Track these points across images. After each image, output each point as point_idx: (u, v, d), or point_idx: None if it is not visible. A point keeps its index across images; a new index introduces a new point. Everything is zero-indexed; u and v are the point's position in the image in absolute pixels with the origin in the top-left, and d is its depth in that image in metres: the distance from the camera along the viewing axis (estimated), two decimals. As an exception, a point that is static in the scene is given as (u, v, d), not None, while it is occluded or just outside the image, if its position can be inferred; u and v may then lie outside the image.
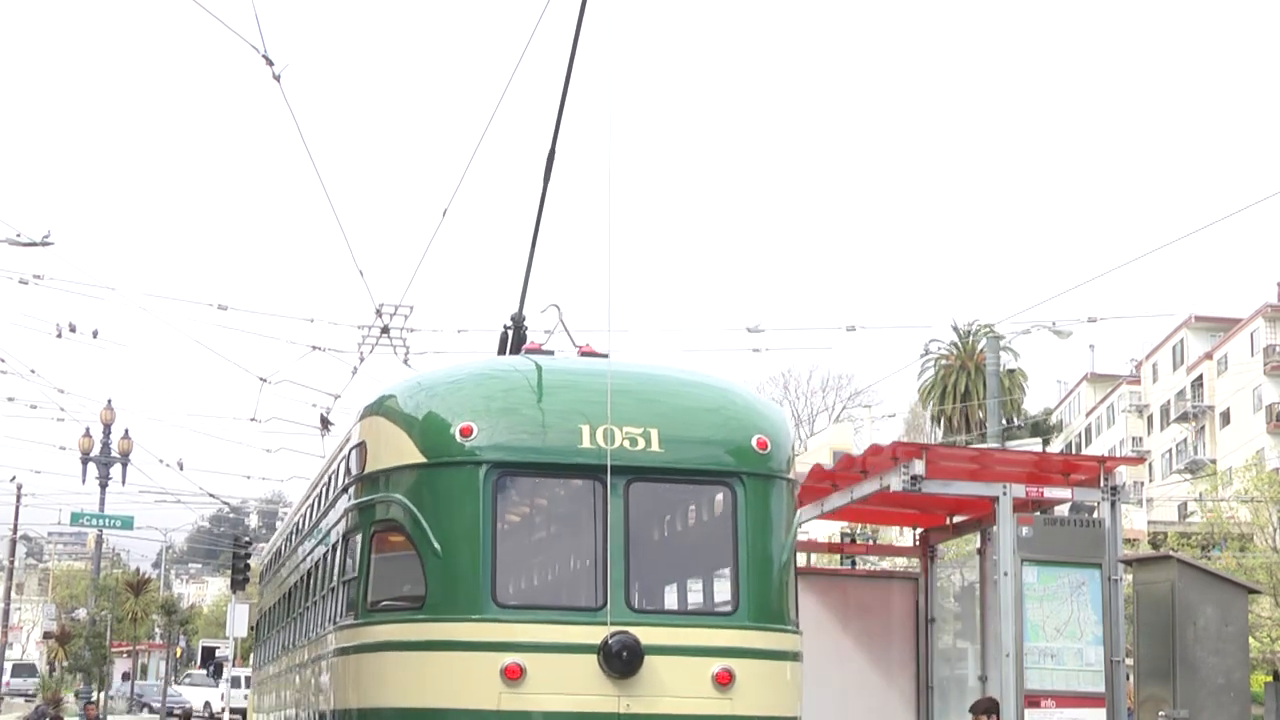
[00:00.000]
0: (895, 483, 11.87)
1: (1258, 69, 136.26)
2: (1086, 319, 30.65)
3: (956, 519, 14.58)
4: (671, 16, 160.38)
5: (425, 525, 9.49)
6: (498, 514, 9.49)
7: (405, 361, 22.13)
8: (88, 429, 39.94)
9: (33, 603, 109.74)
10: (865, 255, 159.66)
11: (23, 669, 78.07)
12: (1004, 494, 11.87)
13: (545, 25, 12.07)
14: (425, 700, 9.26)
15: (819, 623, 14.42)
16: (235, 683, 51.18)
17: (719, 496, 9.87)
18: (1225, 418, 74.58)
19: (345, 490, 11.12)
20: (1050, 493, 12.42)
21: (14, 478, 52.56)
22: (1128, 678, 13.13)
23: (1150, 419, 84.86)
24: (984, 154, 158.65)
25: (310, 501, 14.81)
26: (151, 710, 54.51)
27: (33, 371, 31.10)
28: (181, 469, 41.53)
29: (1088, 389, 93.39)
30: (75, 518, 43.43)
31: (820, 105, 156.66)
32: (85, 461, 39.77)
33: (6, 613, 56.84)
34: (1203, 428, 76.74)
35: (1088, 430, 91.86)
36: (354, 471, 10.67)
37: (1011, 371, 74.26)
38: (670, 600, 10.26)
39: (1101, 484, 12.49)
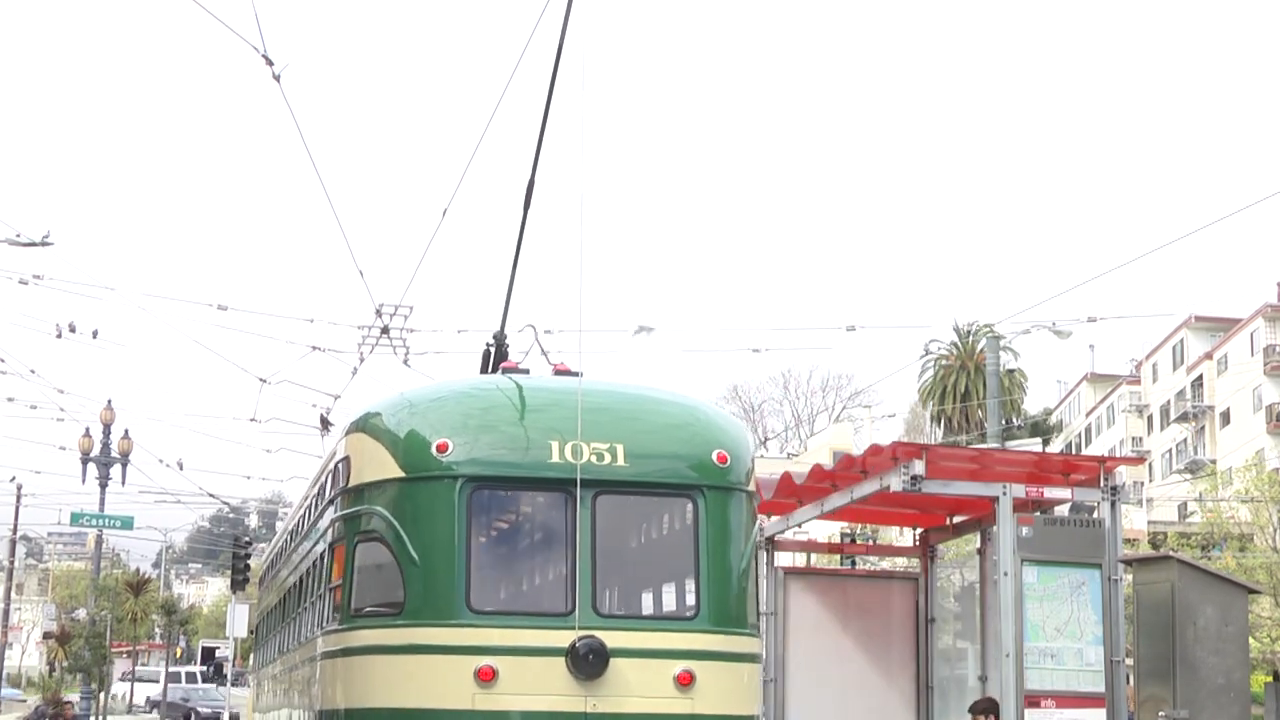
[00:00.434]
0: (895, 483, 11.87)
1: (1258, 69, 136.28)
2: (1086, 319, 30.67)
3: (956, 519, 14.58)
4: (671, 16, 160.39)
5: (404, 536, 10.02)
6: (472, 525, 10.02)
7: (405, 362, 22.13)
8: (87, 429, 39.94)
9: (32, 603, 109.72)
10: (865, 255, 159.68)
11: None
12: (1004, 494, 11.86)
13: (545, 25, 12.08)
14: (404, 701, 9.76)
15: (819, 623, 14.43)
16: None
17: (681, 508, 10.40)
18: (1225, 418, 74.59)
19: (331, 502, 11.63)
20: (1050, 493, 12.41)
21: (14, 478, 52.62)
22: (1128, 678, 13.13)
23: (1150, 419, 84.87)
24: (983, 154, 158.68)
25: (303, 510, 15.38)
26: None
27: (33, 372, 31.11)
28: (181, 469, 41.58)
29: (1088, 389, 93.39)
30: (75, 518, 43.41)
31: (820, 105, 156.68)
32: (85, 462, 39.75)
33: (6, 613, 56.85)
34: (1203, 428, 76.75)
35: (1088, 430, 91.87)
36: (339, 484, 11.18)
37: (1011, 371, 74.28)
38: (635, 606, 10.68)
39: (1101, 484, 12.48)
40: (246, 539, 46.38)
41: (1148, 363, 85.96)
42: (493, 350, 12.94)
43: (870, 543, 32.71)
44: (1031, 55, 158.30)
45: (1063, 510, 14.29)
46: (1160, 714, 11.72)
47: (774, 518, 14.90)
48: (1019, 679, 11.62)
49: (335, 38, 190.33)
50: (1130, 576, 12.67)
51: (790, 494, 14.11)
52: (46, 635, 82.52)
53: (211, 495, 48.33)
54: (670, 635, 10.01)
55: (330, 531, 11.53)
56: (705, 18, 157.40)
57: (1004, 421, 50.60)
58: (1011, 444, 54.62)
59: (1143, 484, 74.18)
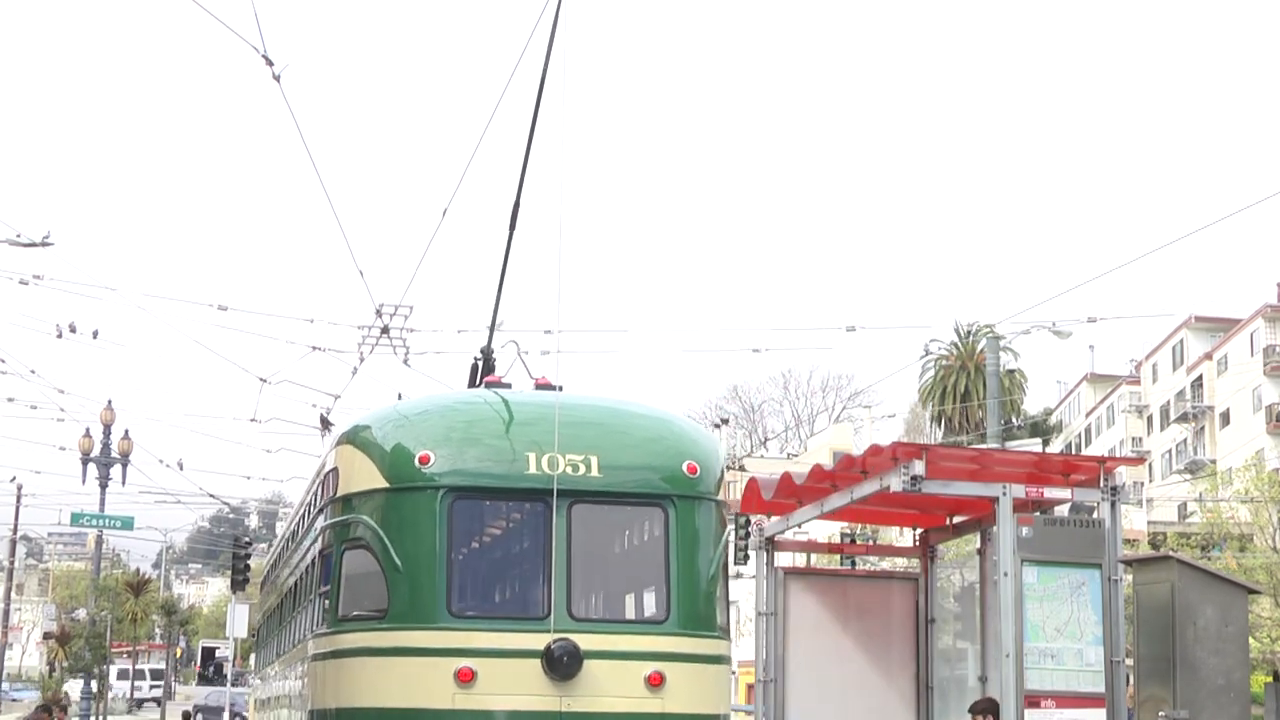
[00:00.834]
0: (895, 483, 11.85)
1: (1258, 69, 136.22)
2: (1086, 319, 30.69)
3: (956, 519, 14.56)
4: (675, 16, 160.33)
5: (388, 543, 10.49)
6: (453, 533, 10.51)
7: (405, 361, 22.12)
8: (88, 429, 39.92)
9: (33, 603, 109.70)
10: (865, 255, 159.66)
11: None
12: (1004, 494, 11.85)
13: (543, 26, 12.08)
14: (389, 701, 10.22)
15: (819, 623, 14.41)
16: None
17: (652, 516, 10.86)
18: (1225, 418, 74.56)
19: (322, 510, 12.15)
20: (1050, 493, 12.39)
21: (14, 478, 52.63)
22: (1128, 678, 13.13)
23: (1150, 419, 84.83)
24: (983, 154, 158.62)
25: (298, 517, 15.97)
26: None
27: (33, 372, 31.08)
28: (181, 469, 41.53)
29: (1087, 389, 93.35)
30: (75, 518, 43.36)
31: (821, 106, 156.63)
32: (85, 462, 39.72)
33: (6, 613, 56.83)
34: (1202, 428, 76.72)
35: (1087, 430, 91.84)
36: (328, 494, 11.70)
37: (1011, 372, 74.27)
38: (608, 610, 11.05)
39: (1101, 484, 12.46)
40: (246, 539, 46.37)
41: (1148, 363, 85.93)
42: (480, 364, 13.30)
43: (870, 543, 32.69)
44: (1031, 55, 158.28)
45: (1063, 510, 14.28)
46: (1160, 714, 11.72)
47: (774, 518, 14.89)
48: (1019, 679, 11.60)
49: (335, 38, 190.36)
50: (1130, 577, 12.67)
51: (790, 494, 14.10)
52: (47, 635, 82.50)
53: (212, 495, 48.35)
54: (641, 638, 10.47)
55: (321, 539, 11.94)
56: (708, 18, 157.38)
57: (1004, 422, 50.58)
58: (1011, 444, 54.59)
59: (1143, 484, 74.15)
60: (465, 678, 10.00)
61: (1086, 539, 12.40)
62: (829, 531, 36.64)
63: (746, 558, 31.45)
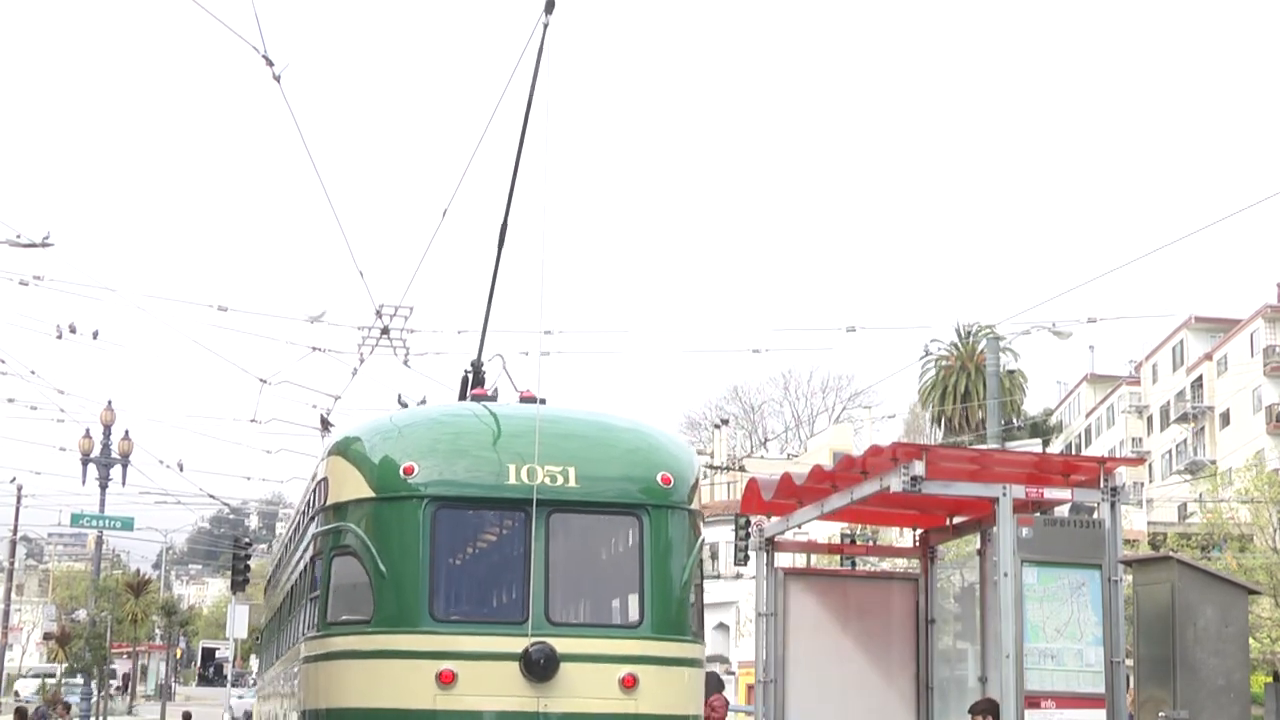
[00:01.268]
0: (895, 483, 11.85)
1: (1258, 69, 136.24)
2: (1086, 320, 30.68)
3: (956, 520, 14.56)
4: (673, 16, 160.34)
5: (374, 551, 10.95)
6: (435, 541, 10.93)
7: (405, 362, 22.11)
8: (88, 430, 39.87)
9: (33, 604, 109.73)
10: (865, 256, 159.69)
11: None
12: (1004, 495, 11.84)
13: (542, 29, 12.08)
14: (374, 702, 10.70)
15: (819, 623, 14.42)
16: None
17: (627, 525, 11.31)
18: (1225, 418, 74.56)
19: (313, 518, 12.68)
20: (1050, 493, 12.38)
21: (14, 479, 52.63)
22: (1128, 679, 13.13)
23: (1150, 420, 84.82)
24: (983, 154, 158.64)
25: (295, 523, 16.47)
26: None
27: (33, 372, 31.00)
28: (182, 470, 41.43)
29: (1087, 390, 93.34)
30: (75, 519, 43.32)
31: (821, 107, 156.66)
32: (85, 462, 39.67)
33: (7, 614, 56.86)
34: (1202, 428, 76.72)
35: (1087, 431, 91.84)
36: (319, 503, 12.17)
37: (1011, 372, 74.27)
38: (584, 615, 11.42)
39: (1101, 485, 12.45)
40: (246, 540, 46.32)
41: (1147, 363, 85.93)
42: (469, 376, 13.66)
43: (870, 543, 32.67)
44: (1031, 56, 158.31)
45: (1063, 511, 14.29)
46: (1160, 715, 11.72)
47: (774, 518, 14.89)
48: (1019, 680, 11.60)
49: (335, 38, 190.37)
50: (1130, 577, 12.67)
51: (790, 495, 14.10)
52: (47, 636, 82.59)
53: (212, 496, 48.28)
54: (616, 642, 10.92)
55: (312, 545, 12.46)
56: (709, 19, 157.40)
57: (1004, 422, 50.56)
58: (1011, 445, 54.62)
59: (1143, 485, 74.15)
60: (447, 679, 10.46)
61: (1086, 539, 12.39)
62: (829, 532, 36.65)
63: (746, 558, 31.46)
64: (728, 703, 21.83)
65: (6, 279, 25.52)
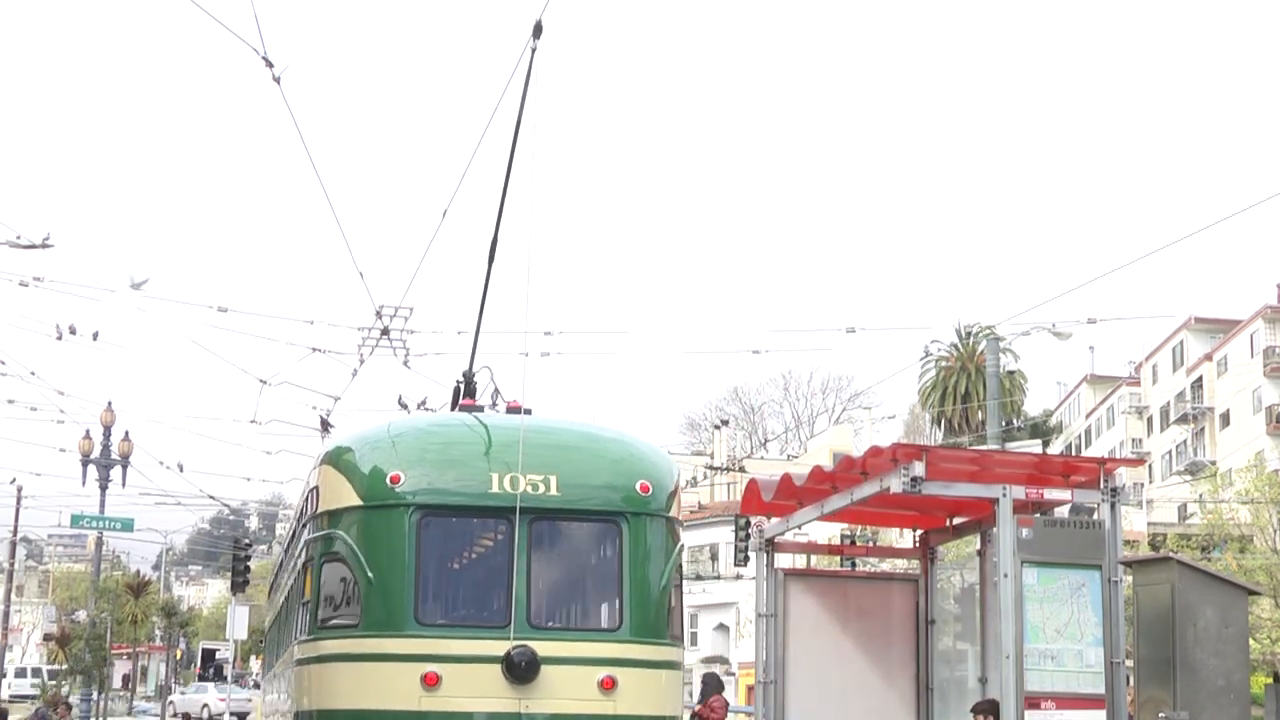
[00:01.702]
0: (895, 484, 11.85)
1: (1258, 69, 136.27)
2: (1086, 320, 30.67)
3: (956, 521, 14.56)
4: (674, 17, 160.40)
5: (362, 557, 11.31)
6: (421, 548, 11.27)
7: (405, 363, 22.09)
8: (88, 431, 39.85)
9: (33, 605, 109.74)
10: (865, 257, 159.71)
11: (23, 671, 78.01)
12: (1004, 496, 11.84)
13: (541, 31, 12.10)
14: (362, 703, 11.05)
15: (819, 624, 14.42)
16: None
17: (607, 532, 11.64)
18: (1225, 419, 74.54)
19: (305, 526, 13.03)
20: (1050, 494, 12.38)
21: (14, 480, 52.46)
22: (1128, 679, 13.12)
23: (1150, 420, 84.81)
24: (983, 155, 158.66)
25: (291, 530, 16.98)
26: None
27: (33, 373, 30.93)
28: (182, 471, 41.42)
29: (1087, 390, 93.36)
30: (75, 520, 43.28)
31: (820, 107, 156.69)
32: (85, 464, 39.65)
33: (6, 615, 56.78)
34: (1202, 429, 76.71)
35: (1087, 432, 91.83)
36: (311, 510, 12.53)
37: (1012, 373, 74.32)
38: (565, 619, 11.72)
39: (1101, 485, 12.45)
40: (247, 541, 46.23)
41: (1147, 364, 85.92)
42: (461, 386, 13.98)
43: (870, 544, 32.67)
44: (1032, 56, 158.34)
45: (1063, 512, 14.29)
46: (1160, 715, 11.72)
47: (774, 519, 14.89)
48: (1019, 680, 11.60)
49: (335, 40, 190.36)
50: (1130, 578, 12.66)
51: (790, 495, 14.10)
52: (47, 637, 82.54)
53: (212, 497, 48.29)
54: (595, 645, 11.27)
55: (304, 552, 12.78)
56: (709, 20, 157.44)
57: (1004, 423, 50.56)
58: (1011, 445, 54.63)
59: (1143, 485, 74.11)
60: (431, 681, 10.79)
61: (1086, 540, 12.38)
62: (829, 533, 36.63)
63: (746, 559, 31.46)
64: (727, 704, 21.86)
65: (6, 280, 25.52)
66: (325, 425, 25.50)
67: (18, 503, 53.90)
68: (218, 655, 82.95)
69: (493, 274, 13.77)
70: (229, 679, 62.15)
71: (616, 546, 11.54)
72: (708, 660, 65.59)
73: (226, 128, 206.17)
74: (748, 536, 24.65)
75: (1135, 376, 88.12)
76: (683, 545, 12.26)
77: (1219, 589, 12.10)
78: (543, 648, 10.85)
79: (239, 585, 42.56)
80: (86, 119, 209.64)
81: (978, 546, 14.35)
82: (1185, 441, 78.09)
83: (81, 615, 74.59)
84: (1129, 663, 12.71)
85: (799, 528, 15.02)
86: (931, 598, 14.69)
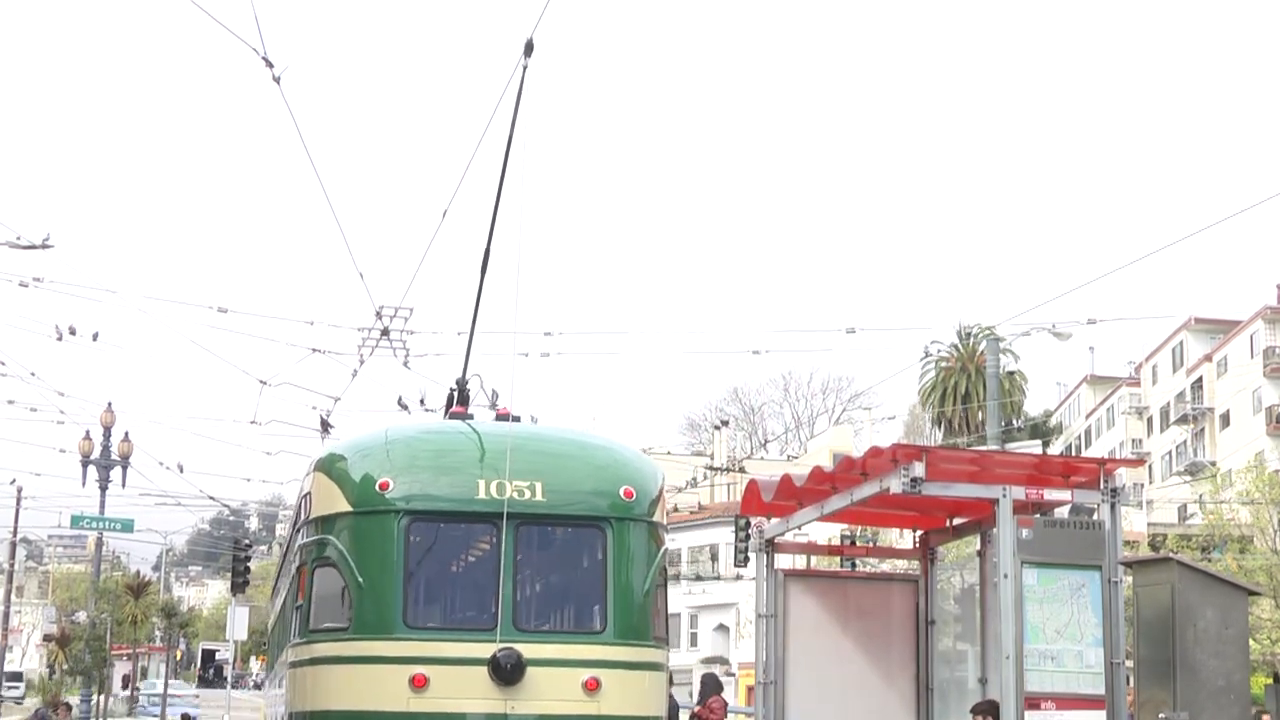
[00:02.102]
0: (895, 485, 11.85)
1: (1258, 69, 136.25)
2: (1086, 321, 30.69)
3: (956, 521, 14.56)
4: (675, 18, 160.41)
5: (352, 562, 11.56)
6: (409, 553, 11.55)
7: (405, 364, 22.09)
8: (88, 432, 39.82)
9: (33, 605, 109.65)
10: (865, 258, 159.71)
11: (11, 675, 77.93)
12: (1004, 496, 11.84)
13: (543, 28, 12.11)
14: (352, 704, 11.33)
15: (819, 624, 14.42)
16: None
17: (591, 536, 11.88)
18: (1225, 420, 74.52)
19: (299, 531, 13.29)
20: (1050, 495, 12.38)
21: (14, 480, 52.43)
22: (1128, 680, 13.12)
23: (1150, 421, 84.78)
24: (984, 156, 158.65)
25: (288, 534, 17.63)
26: None
27: (33, 374, 30.91)
28: (182, 472, 41.36)
29: (1087, 391, 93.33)
30: (75, 520, 43.23)
31: (820, 108, 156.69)
32: (85, 464, 39.62)
33: (6, 615, 56.79)
34: (1202, 430, 76.68)
35: (1087, 432, 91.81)
36: (303, 516, 12.81)
37: (1012, 373, 74.27)
38: (550, 622, 12.01)
39: (1101, 486, 12.45)
40: (247, 542, 46.18)
41: (1147, 365, 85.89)
42: (454, 393, 14.20)
43: (870, 545, 32.64)
44: (1032, 56, 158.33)
45: (1063, 512, 14.28)
46: (1160, 716, 11.71)
47: (774, 520, 14.89)
48: (1019, 681, 11.60)
49: (335, 40, 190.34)
50: (1130, 579, 12.66)
51: (790, 496, 14.10)
52: (47, 638, 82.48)
53: (212, 498, 48.24)
54: (579, 647, 11.48)
55: (298, 556, 13.08)
56: (710, 21, 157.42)
57: (1004, 424, 50.56)
58: (1011, 446, 54.60)
59: (1142, 486, 74.08)
60: (419, 683, 11.04)
61: (1086, 541, 12.38)
62: (829, 533, 36.61)
63: (746, 560, 31.44)
64: (726, 704, 21.86)
65: (6, 280, 25.52)
66: (325, 426, 25.48)
67: (18, 503, 53.89)
68: (218, 656, 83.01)
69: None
70: (228, 679, 62.11)
71: (601, 551, 11.79)
72: (708, 661, 65.59)
73: (226, 128, 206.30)
74: (748, 537, 24.64)
75: (1135, 377, 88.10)
76: (666, 549, 12.48)
77: (1219, 590, 12.09)
78: (528, 650, 11.08)
79: (239, 586, 42.52)
80: (86, 120, 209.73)
81: (978, 547, 14.35)
82: (1185, 442, 78.06)
83: (81, 616, 74.60)
84: (1129, 663, 12.70)
85: (799, 528, 15.03)
86: (931, 598, 14.69)
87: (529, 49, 12.31)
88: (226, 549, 75.84)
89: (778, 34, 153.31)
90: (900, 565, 24.29)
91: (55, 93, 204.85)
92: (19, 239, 24.41)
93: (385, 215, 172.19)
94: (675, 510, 59.01)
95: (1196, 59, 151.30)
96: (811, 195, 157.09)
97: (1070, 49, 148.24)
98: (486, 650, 11.04)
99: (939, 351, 77.88)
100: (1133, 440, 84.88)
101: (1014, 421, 74.45)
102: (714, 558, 72.55)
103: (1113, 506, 12.40)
